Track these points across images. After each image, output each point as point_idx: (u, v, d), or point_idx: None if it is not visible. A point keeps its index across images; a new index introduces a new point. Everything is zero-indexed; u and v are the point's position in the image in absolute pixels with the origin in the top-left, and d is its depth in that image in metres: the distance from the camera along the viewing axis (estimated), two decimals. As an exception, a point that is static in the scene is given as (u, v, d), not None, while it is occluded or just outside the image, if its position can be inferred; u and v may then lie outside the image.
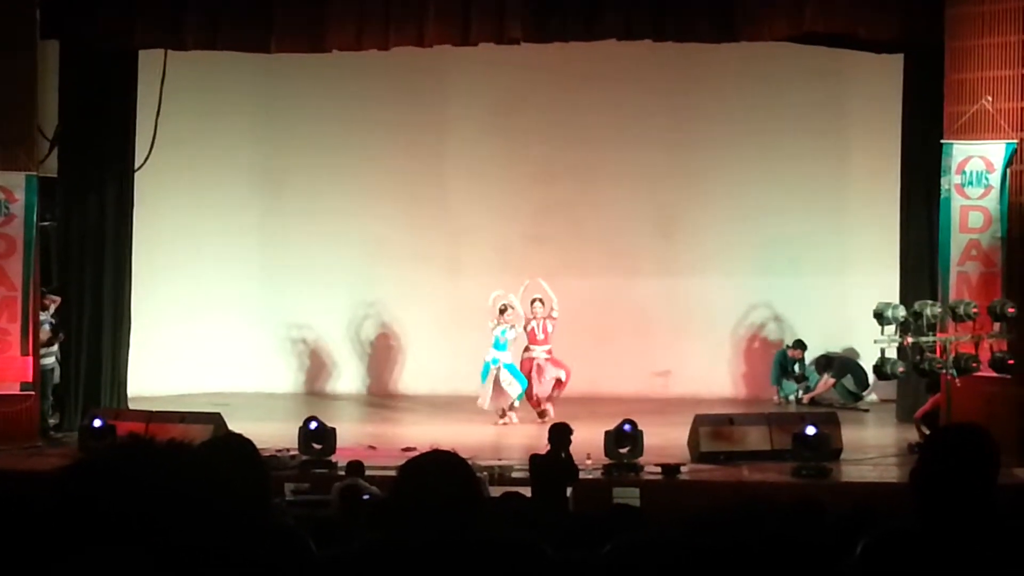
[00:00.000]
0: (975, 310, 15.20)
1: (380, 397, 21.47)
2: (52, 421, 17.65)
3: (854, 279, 20.56)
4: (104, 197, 18.21)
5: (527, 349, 18.87)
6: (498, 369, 18.55)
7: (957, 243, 16.19)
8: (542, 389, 18.72)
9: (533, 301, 18.89)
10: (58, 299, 17.83)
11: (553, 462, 12.70)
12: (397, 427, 18.30)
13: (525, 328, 18.88)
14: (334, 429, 15.14)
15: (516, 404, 18.57)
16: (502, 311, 18.72)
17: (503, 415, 18.49)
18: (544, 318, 18.85)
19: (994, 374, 15.35)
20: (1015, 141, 15.98)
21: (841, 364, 20.60)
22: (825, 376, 20.63)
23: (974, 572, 3.87)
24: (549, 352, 18.87)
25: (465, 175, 21.72)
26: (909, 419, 16.91)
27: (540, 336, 18.85)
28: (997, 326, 15.39)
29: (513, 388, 18.57)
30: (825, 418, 15.76)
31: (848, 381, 20.50)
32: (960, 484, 4.00)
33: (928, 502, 4.06)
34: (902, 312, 15.25)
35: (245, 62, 19.63)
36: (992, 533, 3.95)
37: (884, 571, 3.90)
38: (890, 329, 15.20)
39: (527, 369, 18.72)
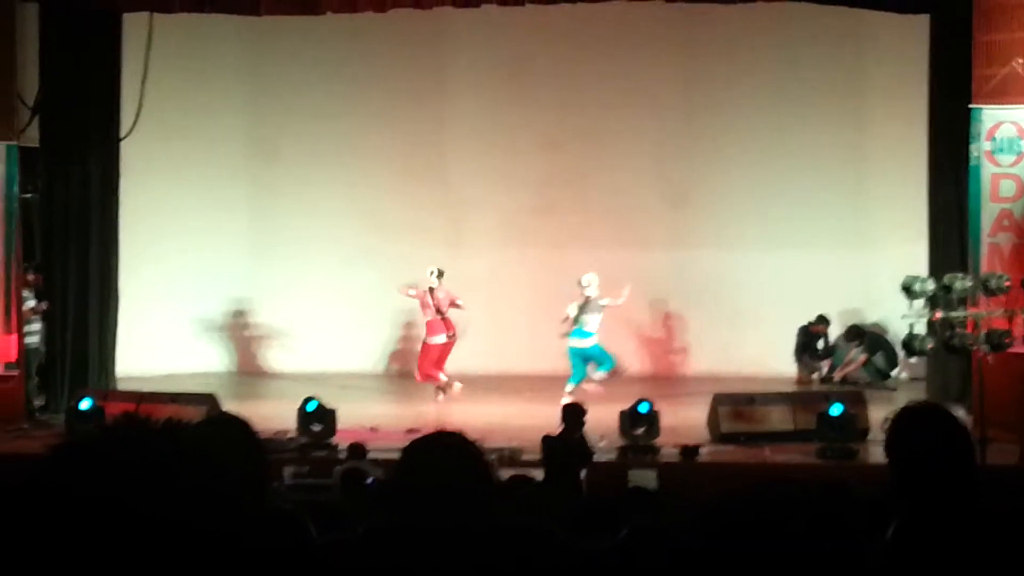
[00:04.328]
0: (1008, 283, 15.13)
1: (381, 376, 21.48)
2: (38, 402, 17.69)
3: (879, 251, 20.53)
4: (88, 168, 18.19)
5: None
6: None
7: (988, 213, 16.16)
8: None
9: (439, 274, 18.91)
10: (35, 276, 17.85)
11: (566, 443, 12.71)
12: (400, 407, 18.30)
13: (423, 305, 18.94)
14: (334, 410, 15.17)
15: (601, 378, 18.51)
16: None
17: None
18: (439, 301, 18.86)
19: (1028, 350, 15.32)
20: (1048, 105, 15.96)
21: (872, 340, 20.52)
22: (856, 351, 20.53)
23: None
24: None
25: (466, 144, 21.68)
26: (939, 397, 16.88)
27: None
28: (1031, 300, 15.36)
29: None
30: (851, 397, 15.76)
31: (879, 358, 20.44)
32: (933, 467, 4.08)
33: (906, 483, 4.12)
34: (931, 286, 15.17)
35: (234, 25, 19.61)
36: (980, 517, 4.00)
37: (915, 554, 3.90)
38: (918, 304, 15.15)
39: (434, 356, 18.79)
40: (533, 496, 9.81)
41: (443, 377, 18.79)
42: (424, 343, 19.05)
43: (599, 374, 18.39)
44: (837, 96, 20.98)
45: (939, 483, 4.08)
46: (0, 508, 2.26)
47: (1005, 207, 16.13)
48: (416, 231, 21.44)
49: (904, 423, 4.33)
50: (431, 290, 18.81)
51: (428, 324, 18.95)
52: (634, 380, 18.83)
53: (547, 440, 12.78)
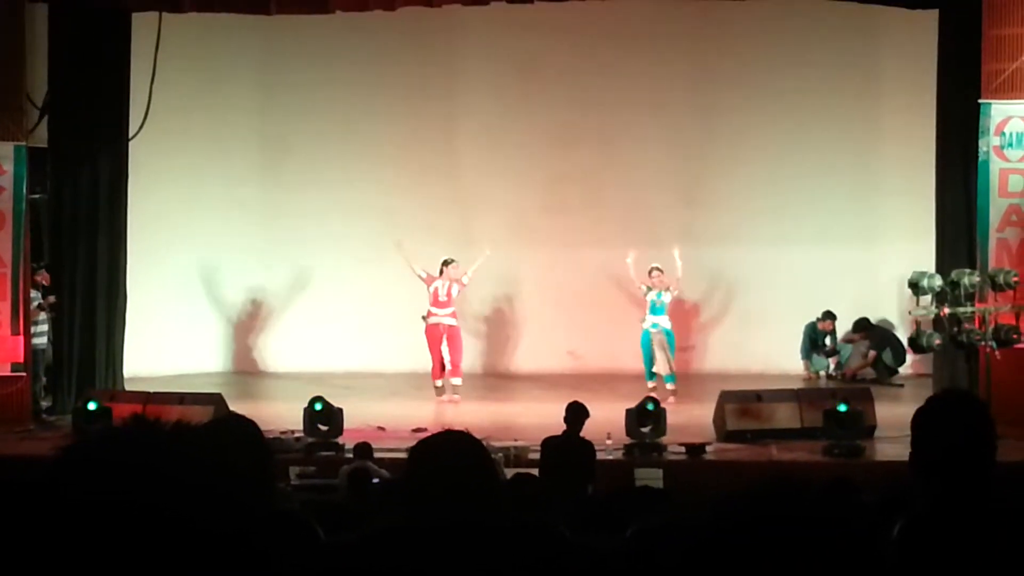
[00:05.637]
0: (1016, 279, 15.14)
1: (390, 375, 21.45)
2: (44, 403, 17.68)
3: (886, 247, 20.52)
4: (97, 168, 18.19)
5: (430, 314, 18.89)
6: (658, 334, 18.58)
7: (996, 208, 16.15)
8: (456, 356, 18.81)
9: (449, 263, 18.90)
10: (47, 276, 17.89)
11: (568, 443, 12.64)
12: (407, 407, 18.28)
13: (428, 287, 18.93)
14: (341, 410, 15.16)
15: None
16: (650, 273, 18.74)
17: None
18: (453, 280, 18.85)
19: (1035, 346, 15.31)
20: (1057, 100, 15.94)
21: (880, 336, 20.50)
22: (864, 347, 20.48)
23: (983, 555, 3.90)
24: (454, 315, 18.96)
25: (477, 142, 21.68)
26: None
27: (444, 298, 18.88)
28: (1039, 296, 15.35)
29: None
30: (858, 394, 15.74)
31: (887, 355, 20.40)
32: (959, 455, 4.06)
33: (928, 476, 4.11)
34: (938, 281, 15.18)
35: (244, 25, 19.61)
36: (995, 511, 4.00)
37: (922, 553, 3.91)
38: (926, 299, 15.15)
39: (434, 337, 18.76)
40: (535, 494, 9.82)
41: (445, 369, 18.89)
42: None
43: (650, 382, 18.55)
44: (847, 92, 20.97)
45: (960, 471, 4.06)
46: (8, 510, 2.28)
47: (1013, 202, 16.13)
48: (427, 230, 21.37)
49: (936, 408, 4.33)
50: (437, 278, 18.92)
51: None
52: (641, 377, 18.79)
53: (548, 442, 12.69)
